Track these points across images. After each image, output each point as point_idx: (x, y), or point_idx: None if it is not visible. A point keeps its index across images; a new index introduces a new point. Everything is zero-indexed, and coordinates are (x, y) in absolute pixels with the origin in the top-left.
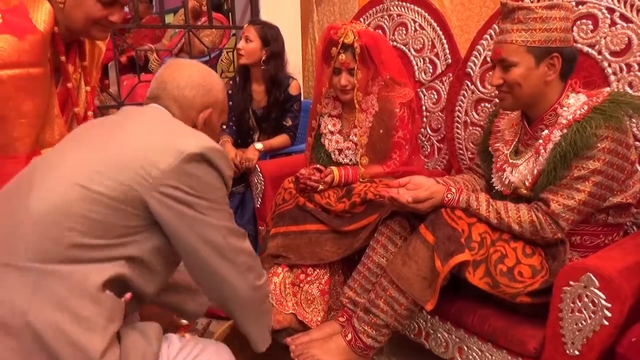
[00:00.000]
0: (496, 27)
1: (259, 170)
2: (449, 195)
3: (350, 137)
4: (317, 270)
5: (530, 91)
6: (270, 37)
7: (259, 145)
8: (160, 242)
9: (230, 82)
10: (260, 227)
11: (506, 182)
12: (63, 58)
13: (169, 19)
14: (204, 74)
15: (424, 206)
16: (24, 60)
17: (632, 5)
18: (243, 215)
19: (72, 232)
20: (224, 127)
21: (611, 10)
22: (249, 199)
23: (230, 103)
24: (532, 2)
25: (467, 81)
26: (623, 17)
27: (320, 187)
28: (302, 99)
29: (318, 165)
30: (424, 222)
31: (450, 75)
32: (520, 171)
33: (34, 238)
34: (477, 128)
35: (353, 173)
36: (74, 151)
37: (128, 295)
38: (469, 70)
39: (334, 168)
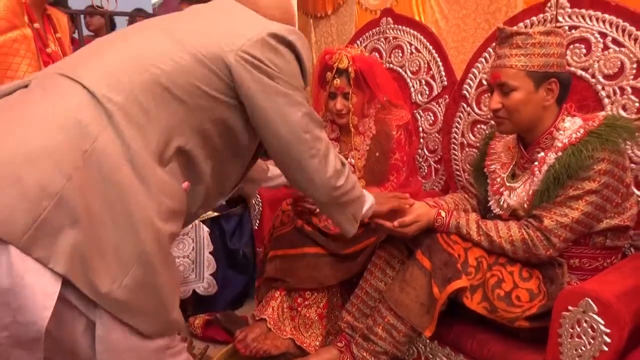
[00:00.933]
0: (491, 50)
1: (256, 191)
2: (439, 220)
3: (349, 159)
4: (315, 294)
5: (529, 116)
6: None
7: None
8: (233, 121)
9: None
10: (258, 249)
11: (504, 205)
12: (37, 25)
13: None
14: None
15: (411, 229)
16: (2, 27)
17: (623, 30)
18: (241, 237)
19: (157, 70)
20: None
21: (603, 35)
22: (247, 221)
23: None
24: (526, 27)
25: (463, 103)
26: (615, 41)
27: (318, 210)
28: None
29: None
30: (420, 247)
31: (447, 97)
32: (519, 194)
33: (120, 68)
34: (473, 150)
35: None
36: (164, 22)
37: (186, 183)
38: (465, 92)
39: None
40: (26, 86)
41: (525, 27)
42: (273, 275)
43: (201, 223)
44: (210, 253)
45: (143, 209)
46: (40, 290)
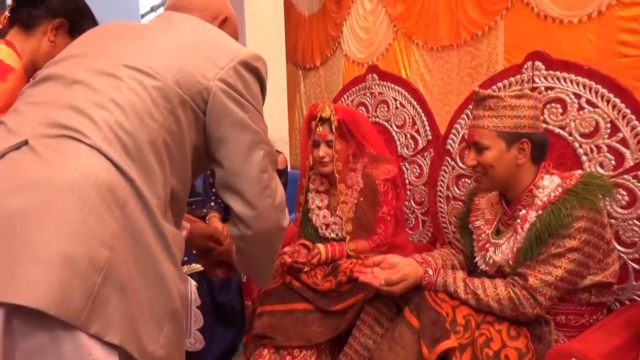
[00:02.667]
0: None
1: None
2: (426, 278)
3: (337, 212)
4: (304, 351)
5: (503, 173)
6: None
7: None
8: (203, 162)
9: None
10: (246, 302)
11: (490, 261)
12: None
13: None
14: None
15: (398, 288)
16: (11, 102)
17: (596, 92)
18: (229, 290)
19: (155, 123)
20: (212, 203)
21: (578, 96)
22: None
23: None
24: (504, 87)
25: (447, 157)
26: (589, 102)
27: (306, 268)
28: (288, 171)
29: (304, 241)
30: (408, 305)
31: (431, 150)
32: (503, 250)
33: (123, 124)
34: (459, 203)
35: (340, 250)
36: (137, 55)
37: (184, 232)
38: (449, 147)
39: (321, 247)
40: (18, 148)
41: (504, 87)
42: (261, 332)
43: (189, 277)
44: (197, 307)
45: (168, 267)
46: None
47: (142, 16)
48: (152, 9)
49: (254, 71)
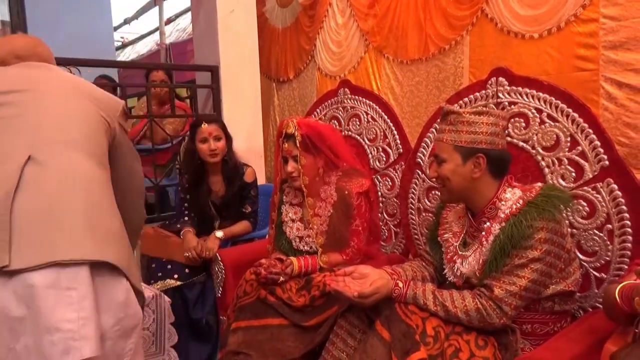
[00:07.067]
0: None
1: (219, 258)
2: (396, 291)
3: (311, 225)
4: None
5: (459, 185)
6: (227, 130)
7: (219, 234)
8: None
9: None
10: (221, 317)
11: (458, 273)
12: None
13: (132, 102)
14: None
15: (369, 301)
16: None
17: (556, 107)
18: (204, 305)
19: (81, 134)
20: (186, 218)
21: (539, 111)
22: (210, 289)
23: (188, 196)
24: (470, 102)
25: (417, 170)
26: (550, 117)
27: (281, 278)
28: (257, 184)
29: (279, 255)
30: (379, 318)
31: (402, 163)
32: (470, 262)
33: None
34: (429, 214)
35: (312, 263)
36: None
37: None
38: (419, 160)
39: (293, 259)
40: None
41: (470, 102)
42: (236, 349)
43: (162, 293)
44: (171, 324)
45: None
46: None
47: (115, 29)
48: (126, 22)
49: (126, 114)
